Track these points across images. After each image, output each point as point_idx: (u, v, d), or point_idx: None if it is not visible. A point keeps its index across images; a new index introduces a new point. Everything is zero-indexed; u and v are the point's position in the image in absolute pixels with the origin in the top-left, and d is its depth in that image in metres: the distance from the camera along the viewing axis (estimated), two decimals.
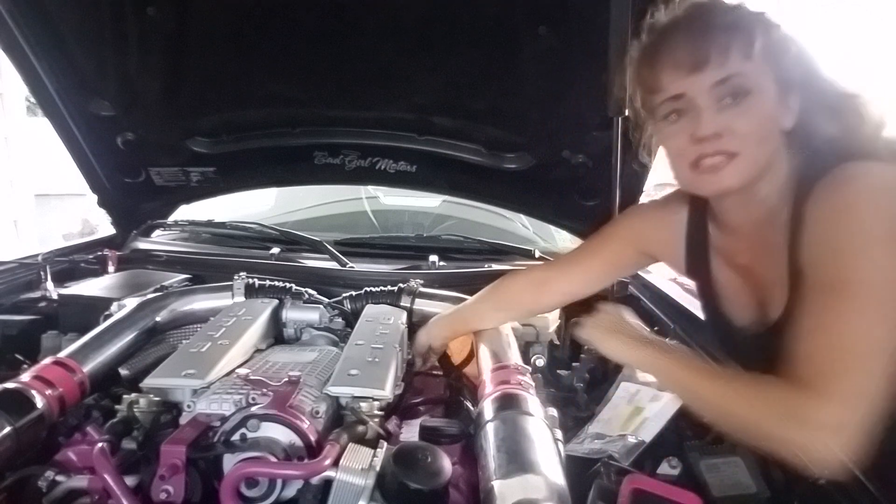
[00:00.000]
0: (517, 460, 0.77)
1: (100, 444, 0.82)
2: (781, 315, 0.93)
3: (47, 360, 1.00)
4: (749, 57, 0.89)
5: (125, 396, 0.92)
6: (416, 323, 1.36)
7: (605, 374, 1.33)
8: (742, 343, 1.06)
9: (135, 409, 0.90)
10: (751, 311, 1.03)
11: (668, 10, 0.97)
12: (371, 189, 2.44)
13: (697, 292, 1.18)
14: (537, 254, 1.90)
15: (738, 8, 0.94)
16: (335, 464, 0.76)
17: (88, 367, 1.02)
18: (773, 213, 0.96)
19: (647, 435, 1.04)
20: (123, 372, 1.12)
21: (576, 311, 1.55)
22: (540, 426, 0.87)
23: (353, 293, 1.41)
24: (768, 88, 0.90)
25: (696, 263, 1.13)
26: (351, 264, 1.75)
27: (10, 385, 0.89)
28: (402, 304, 1.37)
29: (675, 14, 0.96)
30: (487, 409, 0.93)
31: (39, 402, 0.89)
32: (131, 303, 1.29)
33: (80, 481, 0.80)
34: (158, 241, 2.07)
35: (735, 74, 0.88)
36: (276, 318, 1.29)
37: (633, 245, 1.22)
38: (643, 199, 1.83)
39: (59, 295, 1.49)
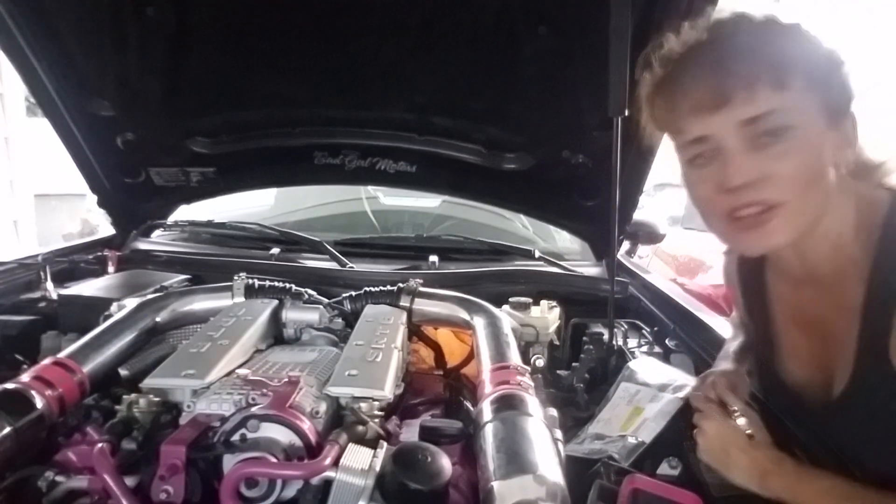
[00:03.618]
0: (516, 461, 0.77)
1: (100, 445, 0.81)
2: (843, 392, 0.79)
3: (47, 361, 0.99)
4: (784, 86, 0.74)
5: (125, 397, 0.92)
6: (415, 322, 1.36)
7: (604, 374, 1.33)
8: (798, 408, 0.91)
9: (134, 410, 0.89)
10: (811, 373, 0.87)
11: (683, 36, 0.82)
12: (371, 189, 2.44)
13: (755, 340, 1.01)
14: (537, 254, 1.90)
15: (765, 25, 0.79)
16: (335, 464, 0.76)
17: (88, 368, 1.02)
18: (851, 261, 0.79)
19: (647, 435, 1.04)
20: (123, 372, 1.12)
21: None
22: (539, 426, 0.87)
23: (353, 293, 1.41)
24: (814, 120, 0.76)
25: (753, 309, 0.99)
26: (351, 264, 1.75)
27: (9, 385, 0.89)
28: (401, 304, 1.36)
29: (689, 40, 0.81)
30: (486, 409, 0.93)
31: (39, 403, 0.88)
32: (131, 303, 1.28)
33: (80, 481, 0.80)
34: (158, 241, 2.08)
35: (768, 111, 0.74)
36: (275, 318, 1.29)
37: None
38: (643, 199, 1.83)
39: (59, 295, 1.49)
